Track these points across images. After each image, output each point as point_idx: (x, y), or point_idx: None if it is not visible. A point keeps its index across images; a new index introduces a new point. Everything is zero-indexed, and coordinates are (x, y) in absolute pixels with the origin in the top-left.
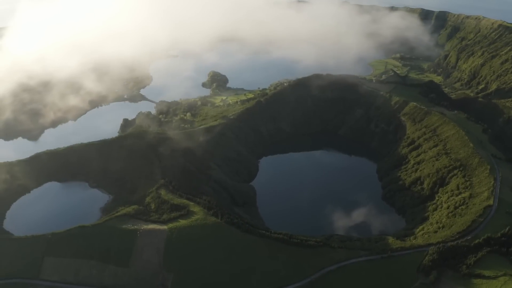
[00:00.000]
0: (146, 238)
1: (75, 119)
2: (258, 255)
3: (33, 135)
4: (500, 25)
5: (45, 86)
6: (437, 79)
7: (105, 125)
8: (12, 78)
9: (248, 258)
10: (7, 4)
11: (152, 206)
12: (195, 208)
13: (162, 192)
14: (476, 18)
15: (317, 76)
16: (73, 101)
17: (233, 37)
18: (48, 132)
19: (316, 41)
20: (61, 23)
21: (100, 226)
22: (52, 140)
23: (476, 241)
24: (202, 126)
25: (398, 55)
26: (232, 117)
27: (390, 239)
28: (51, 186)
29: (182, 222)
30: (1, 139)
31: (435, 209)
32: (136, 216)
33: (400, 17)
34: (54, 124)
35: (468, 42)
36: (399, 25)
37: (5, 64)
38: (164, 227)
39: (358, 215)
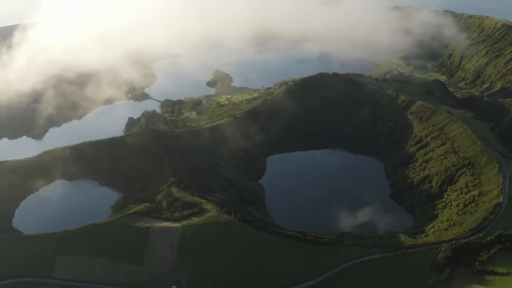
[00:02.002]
0: (159, 236)
1: (79, 118)
2: (272, 252)
3: (37, 134)
4: (503, 25)
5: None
6: (441, 78)
7: (109, 124)
8: (37, 72)
9: (262, 255)
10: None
11: (164, 204)
12: (208, 206)
13: (174, 189)
14: (479, 17)
15: (323, 75)
16: (108, 92)
17: (266, 32)
18: (53, 131)
19: (341, 38)
20: (88, 14)
21: (112, 224)
22: (57, 139)
23: (488, 238)
24: (209, 125)
25: (402, 54)
26: (239, 115)
27: (402, 237)
28: (60, 184)
29: (195, 219)
30: (5, 138)
31: (444, 207)
32: (148, 213)
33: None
34: (59, 123)
35: (472, 42)
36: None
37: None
38: (177, 224)
39: (367, 213)
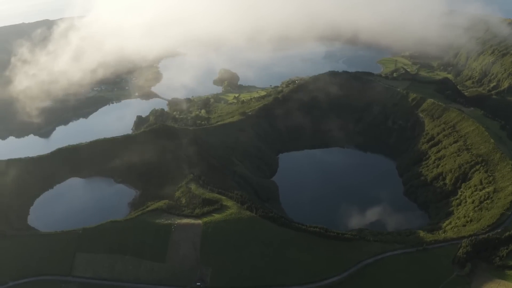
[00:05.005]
0: (182, 233)
1: (86, 116)
2: (295, 248)
3: (44, 132)
4: (510, 24)
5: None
6: (448, 77)
7: (117, 122)
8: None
9: (286, 251)
10: None
11: (183, 200)
12: (228, 202)
13: (192, 186)
14: (484, 16)
15: (333, 73)
16: None
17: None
18: (60, 130)
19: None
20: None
21: (132, 221)
22: (64, 137)
23: (507, 234)
24: (220, 123)
25: (407, 53)
26: (250, 113)
27: (421, 233)
28: (75, 182)
29: (217, 216)
30: (12, 137)
31: (459, 204)
32: (168, 210)
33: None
34: (66, 121)
35: (478, 41)
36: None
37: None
38: (199, 221)
39: (382, 211)
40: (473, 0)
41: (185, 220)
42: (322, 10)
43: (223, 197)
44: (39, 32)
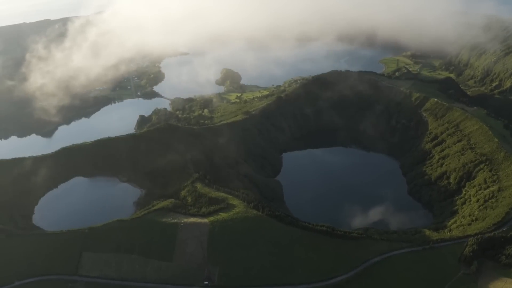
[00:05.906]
0: (188, 232)
1: (88, 116)
2: (302, 247)
3: (46, 132)
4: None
5: None
6: (450, 76)
7: (119, 122)
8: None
9: (293, 250)
10: None
11: (189, 199)
12: (234, 201)
13: (198, 185)
14: (486, 16)
15: (336, 73)
16: None
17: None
18: (62, 129)
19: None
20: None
21: (139, 220)
22: (67, 137)
23: None
24: (223, 122)
25: (409, 53)
26: (254, 112)
27: (427, 232)
28: (79, 181)
29: (223, 215)
30: (14, 136)
31: (464, 203)
32: (174, 209)
33: None
34: (68, 121)
35: (480, 40)
36: None
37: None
38: (205, 220)
39: (386, 210)
40: (487, 0)
41: (192, 219)
42: (338, 7)
43: (229, 196)
44: (38, 34)
